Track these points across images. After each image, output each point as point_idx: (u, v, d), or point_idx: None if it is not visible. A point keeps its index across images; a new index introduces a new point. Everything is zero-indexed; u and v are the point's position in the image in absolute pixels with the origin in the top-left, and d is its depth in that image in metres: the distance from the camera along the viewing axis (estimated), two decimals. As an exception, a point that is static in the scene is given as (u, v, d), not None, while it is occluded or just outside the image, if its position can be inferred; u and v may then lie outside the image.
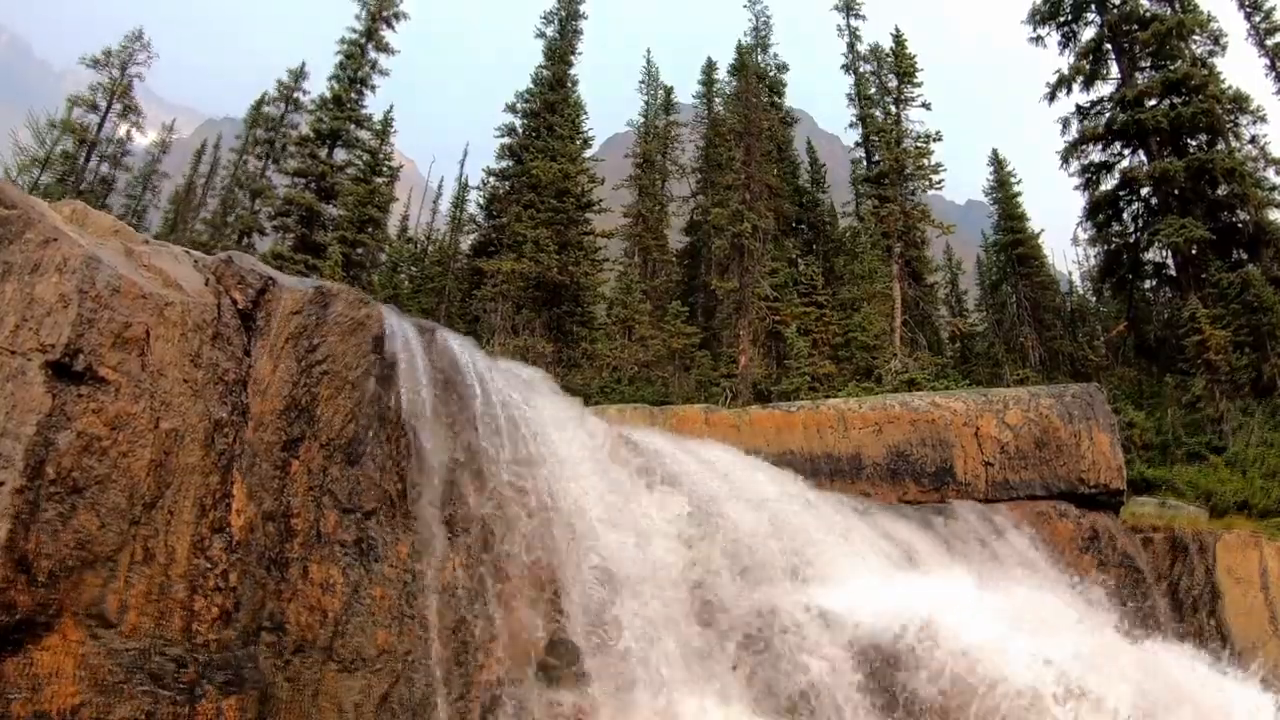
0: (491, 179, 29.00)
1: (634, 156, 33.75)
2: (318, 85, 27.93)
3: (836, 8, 29.98)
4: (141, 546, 4.44)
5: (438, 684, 5.27)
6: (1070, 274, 33.19)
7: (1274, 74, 23.86)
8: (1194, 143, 22.73)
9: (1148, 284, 24.64)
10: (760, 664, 6.41)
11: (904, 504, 9.99)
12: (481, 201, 29.20)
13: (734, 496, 7.84)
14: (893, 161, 25.49)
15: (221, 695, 4.50)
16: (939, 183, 26.57)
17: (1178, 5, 23.64)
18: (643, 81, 36.24)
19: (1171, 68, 22.78)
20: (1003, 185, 30.23)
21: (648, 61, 36.75)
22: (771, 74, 32.66)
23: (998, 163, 30.65)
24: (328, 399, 5.54)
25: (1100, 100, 24.81)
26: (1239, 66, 23.97)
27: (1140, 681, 6.49)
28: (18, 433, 4.07)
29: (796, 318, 22.75)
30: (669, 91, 36.65)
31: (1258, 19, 24.05)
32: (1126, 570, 9.70)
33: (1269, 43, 23.91)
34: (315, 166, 25.14)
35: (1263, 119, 22.70)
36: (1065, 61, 25.79)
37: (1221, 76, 22.87)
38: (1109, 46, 24.58)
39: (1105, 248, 25.02)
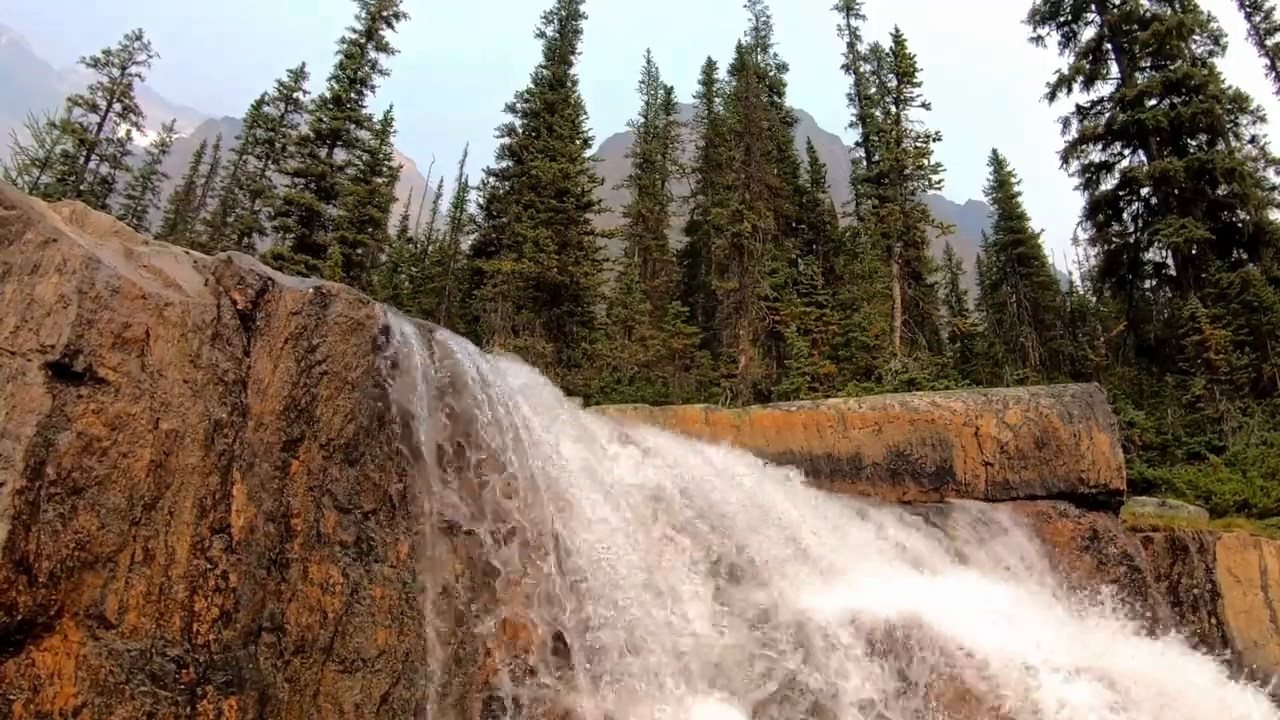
0: (491, 179, 29.05)
1: (634, 156, 33.76)
2: (317, 85, 27.95)
3: (836, 8, 29.97)
4: (141, 547, 4.44)
5: (437, 683, 5.28)
6: (1070, 274, 33.23)
7: (1274, 74, 23.87)
8: (1194, 143, 22.75)
9: (1148, 284, 24.67)
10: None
11: (904, 504, 9.99)
12: (481, 201, 29.24)
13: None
14: (893, 161, 25.48)
15: (222, 696, 4.50)
16: (939, 183, 26.59)
17: (1178, 5, 23.64)
18: (643, 81, 36.30)
19: (1171, 68, 22.79)
20: (1003, 185, 30.27)
21: (648, 61, 36.81)
22: (771, 74, 32.67)
23: (998, 163, 30.69)
24: (327, 399, 5.54)
25: (1100, 100, 24.85)
26: (1239, 67, 24.01)
27: (1132, 679, 6.49)
28: (18, 433, 4.07)
29: (796, 318, 22.74)
30: (669, 91, 36.68)
31: (1258, 19, 24.07)
32: (1126, 570, 9.69)
33: (1269, 43, 23.93)
34: (315, 166, 25.14)
35: (1263, 119, 22.73)
36: (1065, 61, 25.87)
37: (1221, 76, 22.89)
38: (1109, 46, 24.60)
39: (1105, 248, 25.04)
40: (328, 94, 26.01)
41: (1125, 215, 24.50)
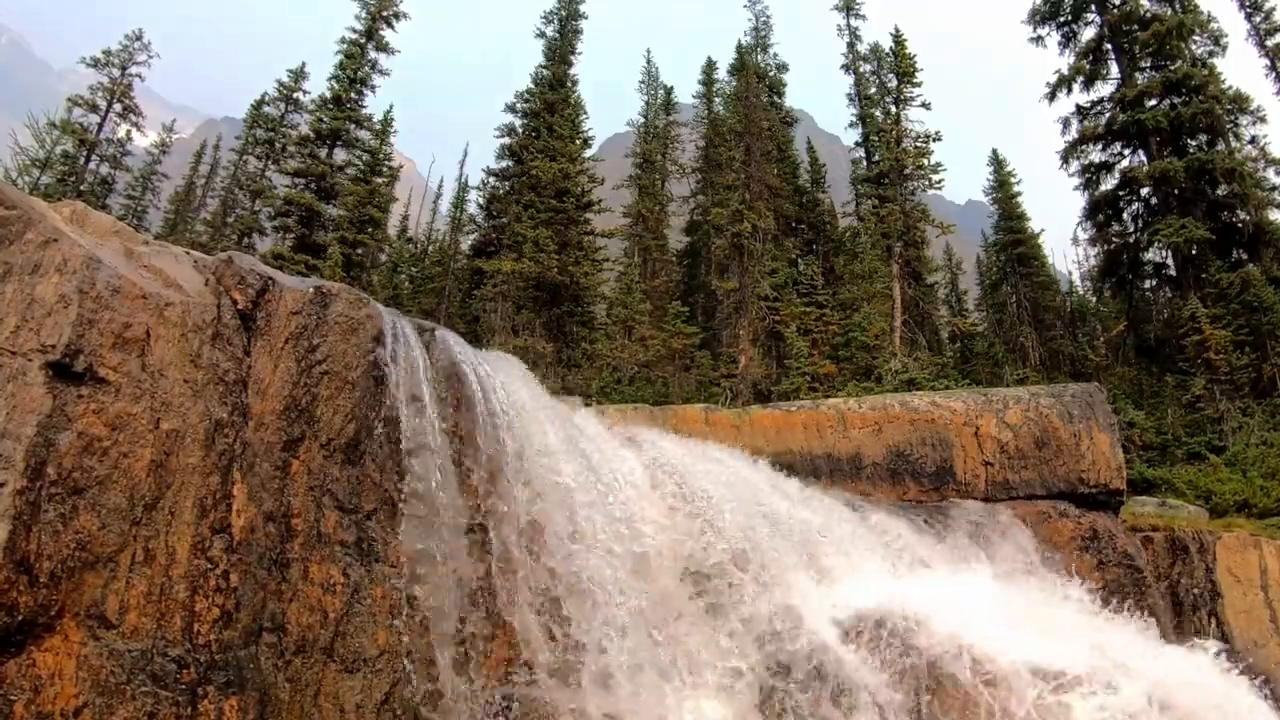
0: (491, 179, 29.04)
1: (634, 156, 33.77)
2: (317, 85, 27.96)
3: (836, 8, 29.96)
4: (142, 547, 4.44)
5: (438, 683, 5.27)
6: (1070, 274, 33.24)
7: (1274, 74, 23.88)
8: (1194, 143, 22.75)
9: (1148, 284, 24.67)
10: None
11: (904, 503, 10.00)
12: (481, 201, 29.23)
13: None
14: (893, 161, 25.48)
15: (222, 696, 4.50)
16: (939, 183, 26.58)
17: (1178, 5, 23.64)
18: (643, 81, 36.31)
19: (1172, 68, 22.79)
20: (1003, 185, 30.27)
21: (648, 61, 36.82)
22: (771, 74, 32.65)
23: (998, 163, 30.70)
24: (328, 399, 5.54)
25: (1100, 100, 24.85)
26: (1239, 67, 24.02)
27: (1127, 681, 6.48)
28: (18, 433, 4.06)
29: (796, 318, 22.73)
30: (669, 91, 36.69)
31: (1258, 19, 24.07)
32: (1126, 570, 9.70)
33: (1269, 43, 23.93)
34: (315, 166, 25.13)
35: (1263, 119, 22.73)
36: (1065, 61, 25.88)
37: (1221, 77, 22.88)
38: (1109, 46, 24.60)
39: (1105, 248, 25.04)
40: (328, 94, 26.00)
41: (1125, 215, 24.50)
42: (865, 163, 28.81)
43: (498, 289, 23.12)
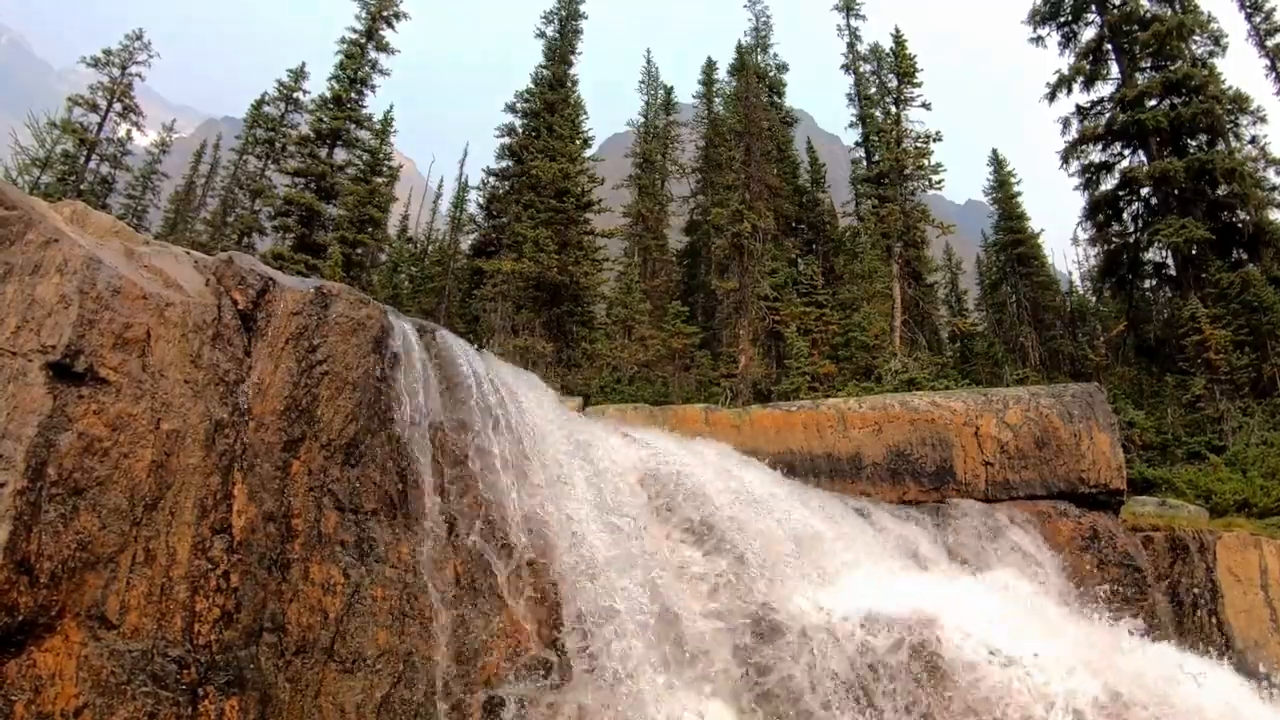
0: (491, 179, 29.05)
1: (634, 156, 33.76)
2: (318, 85, 27.96)
3: (836, 8, 29.95)
4: (143, 547, 4.45)
5: (438, 684, 5.27)
6: (1070, 274, 33.22)
7: (1274, 74, 23.89)
8: (1194, 143, 22.76)
9: (1148, 284, 24.68)
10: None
11: (904, 503, 10.00)
12: (481, 201, 29.24)
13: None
14: (893, 161, 25.47)
15: (223, 696, 4.50)
16: (939, 183, 26.56)
17: (1178, 6, 23.65)
18: (643, 81, 36.29)
19: (1172, 68, 22.80)
20: (1003, 185, 30.28)
21: (648, 61, 36.80)
22: (771, 74, 32.64)
23: (998, 163, 30.70)
24: (328, 399, 5.54)
25: (1100, 100, 24.86)
26: (1239, 67, 24.03)
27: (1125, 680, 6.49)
28: (19, 434, 4.07)
29: (796, 318, 22.72)
30: (669, 91, 36.67)
31: (1258, 19, 24.09)
32: (1126, 570, 9.70)
33: (1269, 43, 23.95)
34: (315, 166, 25.13)
35: (1263, 119, 22.74)
36: (1065, 62, 25.89)
37: (1221, 77, 22.89)
38: (1109, 47, 24.61)
39: (1105, 248, 25.04)
40: (328, 94, 25.99)
41: (1125, 215, 24.51)
42: (865, 163, 28.79)
43: (498, 289, 23.12)
